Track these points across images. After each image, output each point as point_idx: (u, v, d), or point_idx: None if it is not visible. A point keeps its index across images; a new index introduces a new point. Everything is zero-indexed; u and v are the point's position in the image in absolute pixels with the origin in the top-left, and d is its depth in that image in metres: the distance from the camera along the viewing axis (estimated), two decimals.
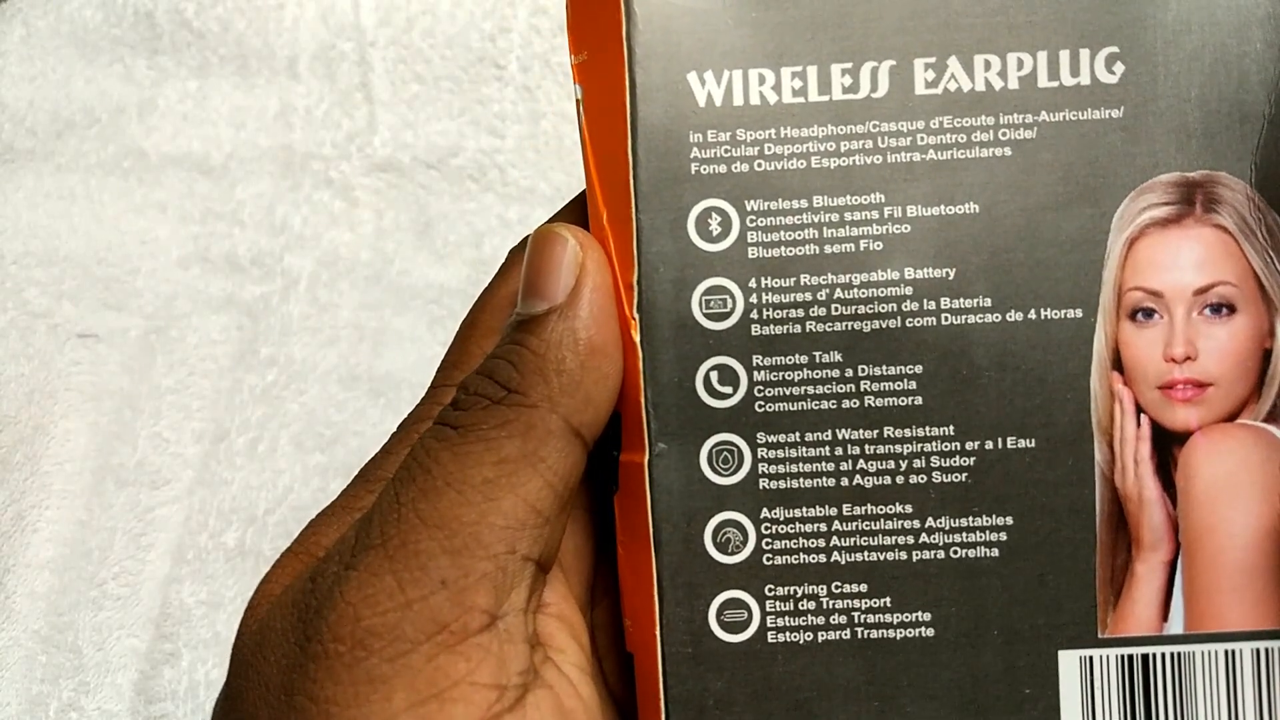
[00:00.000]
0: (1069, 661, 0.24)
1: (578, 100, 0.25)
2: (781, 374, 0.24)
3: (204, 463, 0.49)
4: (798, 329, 0.24)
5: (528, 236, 0.25)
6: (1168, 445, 0.24)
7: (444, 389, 0.25)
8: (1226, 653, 0.24)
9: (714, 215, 0.25)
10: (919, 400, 0.24)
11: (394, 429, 0.26)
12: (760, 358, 0.24)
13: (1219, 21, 0.24)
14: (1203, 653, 0.24)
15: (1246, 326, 0.24)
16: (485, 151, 0.54)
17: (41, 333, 0.52)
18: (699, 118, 0.24)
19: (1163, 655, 0.24)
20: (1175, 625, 0.24)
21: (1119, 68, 0.24)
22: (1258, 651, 0.24)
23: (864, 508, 0.25)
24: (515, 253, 0.26)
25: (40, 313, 0.52)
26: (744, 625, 0.25)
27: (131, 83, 0.56)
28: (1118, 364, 0.24)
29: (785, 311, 0.24)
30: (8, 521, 0.48)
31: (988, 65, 0.24)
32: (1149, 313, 0.24)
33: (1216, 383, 0.24)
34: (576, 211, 0.26)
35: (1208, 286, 0.24)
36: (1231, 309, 0.24)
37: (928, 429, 0.24)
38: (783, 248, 0.24)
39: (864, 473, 0.25)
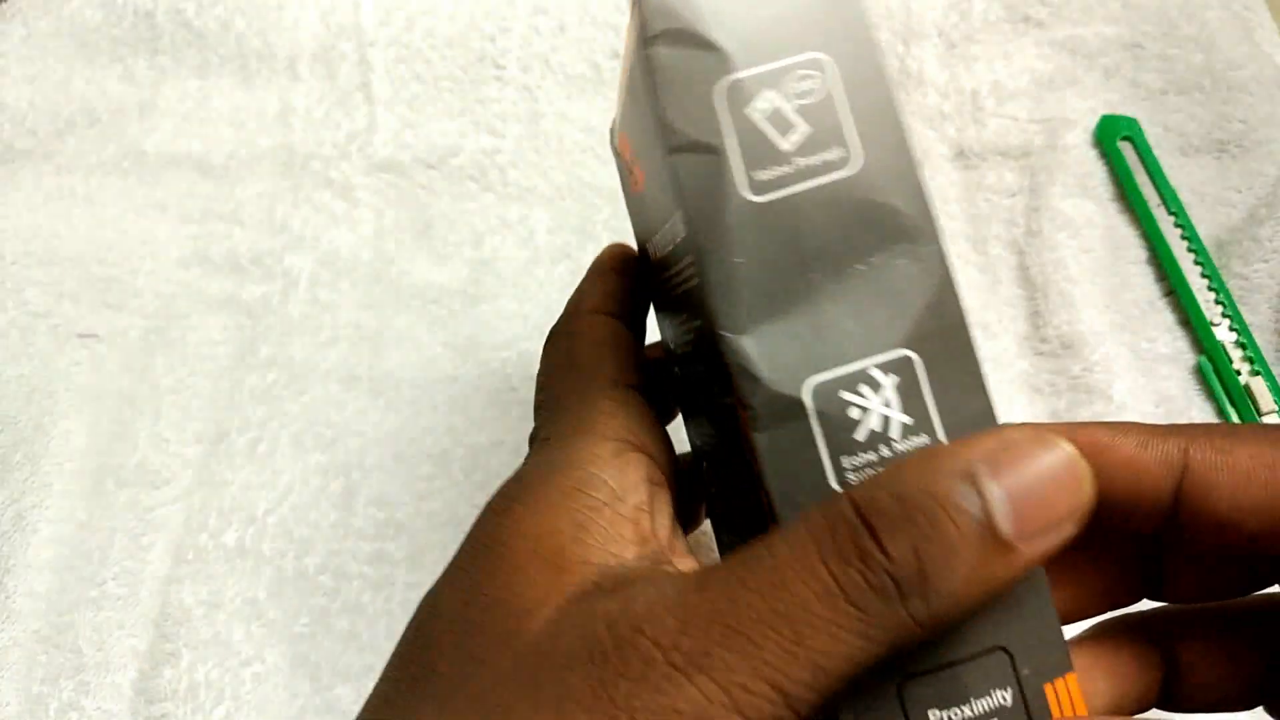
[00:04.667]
0: None
1: None
2: None
3: (204, 463, 0.49)
4: None
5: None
6: None
7: None
8: None
9: None
10: None
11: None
12: None
13: None
14: None
15: None
16: (485, 151, 0.54)
17: (41, 333, 0.51)
18: None
19: None
20: None
21: None
22: None
23: None
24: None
25: (40, 313, 0.52)
26: None
27: (131, 83, 0.56)
28: None
29: None
30: (8, 521, 0.47)
31: None
32: None
33: None
34: None
35: None
36: None
37: None
38: None
39: None
